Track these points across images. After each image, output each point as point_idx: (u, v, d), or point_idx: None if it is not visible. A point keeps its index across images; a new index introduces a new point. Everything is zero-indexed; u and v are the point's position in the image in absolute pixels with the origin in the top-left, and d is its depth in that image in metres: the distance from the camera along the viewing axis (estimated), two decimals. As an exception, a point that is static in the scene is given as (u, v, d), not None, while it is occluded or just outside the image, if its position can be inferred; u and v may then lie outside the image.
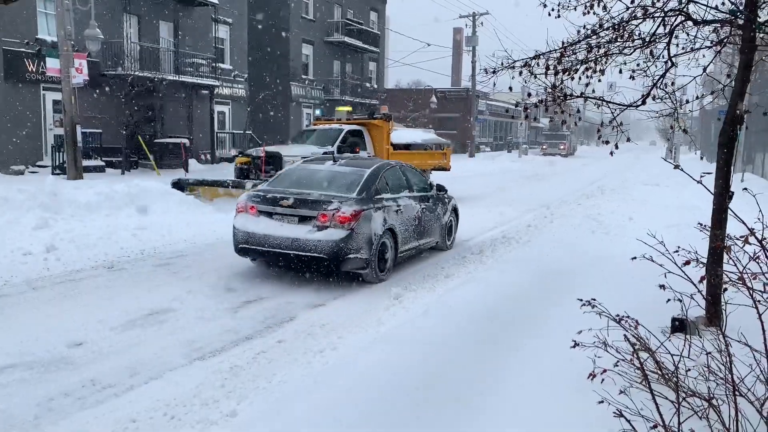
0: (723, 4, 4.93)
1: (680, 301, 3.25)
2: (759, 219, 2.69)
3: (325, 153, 12.99)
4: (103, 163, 20.24)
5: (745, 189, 3.31)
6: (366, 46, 36.78)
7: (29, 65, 18.90)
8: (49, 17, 19.14)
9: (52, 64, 16.81)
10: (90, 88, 19.42)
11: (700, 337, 4.22)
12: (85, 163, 17.68)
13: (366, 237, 7.20)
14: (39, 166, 19.24)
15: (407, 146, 16.13)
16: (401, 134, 16.58)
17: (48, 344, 4.99)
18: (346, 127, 14.67)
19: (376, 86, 40.52)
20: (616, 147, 5.15)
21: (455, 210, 10.07)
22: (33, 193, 10.34)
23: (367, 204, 7.38)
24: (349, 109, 17.34)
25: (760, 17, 4.70)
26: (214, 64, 25.42)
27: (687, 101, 6.28)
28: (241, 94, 28.96)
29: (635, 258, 3.52)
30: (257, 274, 7.65)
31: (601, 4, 5.12)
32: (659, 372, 3.35)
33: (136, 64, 21.92)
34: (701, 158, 38.60)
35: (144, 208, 11.23)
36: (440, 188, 9.70)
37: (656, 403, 2.59)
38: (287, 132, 31.06)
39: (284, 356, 4.93)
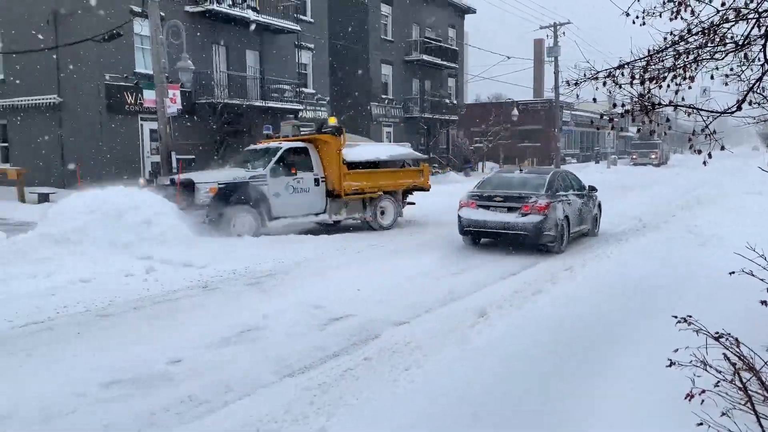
0: (824, -1, 4.61)
1: (786, 317, 3.05)
2: None
3: (252, 178, 11.77)
4: (196, 188, 21.24)
5: None
6: (445, 62, 36.87)
7: (128, 98, 20.20)
8: (146, 52, 20.40)
9: (149, 96, 17.85)
10: (183, 116, 20.50)
11: (812, 356, 3.92)
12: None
13: (553, 221, 10.51)
14: (139, 192, 20.43)
15: (372, 164, 13.96)
16: (364, 150, 14.18)
17: (149, 361, 5.26)
18: (285, 145, 12.73)
19: (455, 102, 40.48)
20: (710, 156, 4.91)
21: (599, 206, 13.11)
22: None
23: (552, 198, 10.67)
24: (296, 123, 14.44)
25: None
26: (297, 89, 26.26)
27: (788, 104, 5.90)
28: (323, 116, 29.71)
29: (734, 273, 3.34)
30: (342, 292, 7.78)
31: (689, 8, 4.92)
32: (765, 393, 3.15)
33: (225, 91, 22.97)
34: (809, 163, 35.92)
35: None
36: (591, 188, 12.65)
37: (762, 427, 2.44)
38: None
39: (371, 373, 4.99)
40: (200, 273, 8.75)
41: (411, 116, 35.26)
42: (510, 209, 10.64)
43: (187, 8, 21.66)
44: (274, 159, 12.25)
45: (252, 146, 13.92)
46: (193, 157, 21.82)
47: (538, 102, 49.61)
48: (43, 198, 18.04)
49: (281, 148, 12.58)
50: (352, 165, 13.23)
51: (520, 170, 12.05)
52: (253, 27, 23.89)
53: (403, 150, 15.31)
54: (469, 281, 8.57)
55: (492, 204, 10.86)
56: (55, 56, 19.80)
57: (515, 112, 42.09)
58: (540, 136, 46.32)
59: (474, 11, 41.33)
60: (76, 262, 8.76)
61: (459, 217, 11.16)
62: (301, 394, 4.59)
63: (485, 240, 11.69)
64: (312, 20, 28.23)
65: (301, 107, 26.30)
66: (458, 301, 7.40)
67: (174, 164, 17.07)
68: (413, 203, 15.34)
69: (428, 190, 15.27)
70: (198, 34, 22.11)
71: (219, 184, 11.38)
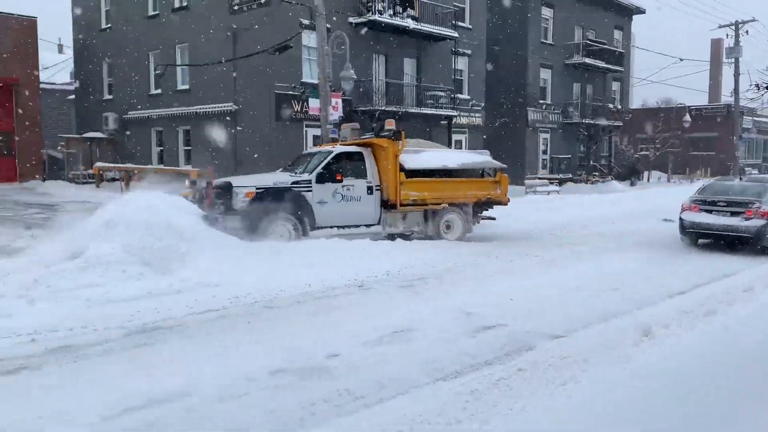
0: None
1: None
2: None
3: (295, 183, 11.00)
4: (353, 191, 22.11)
5: None
6: (608, 65, 35.10)
7: (295, 106, 21.51)
8: (312, 62, 21.62)
9: (313, 104, 18.88)
10: (342, 123, 21.42)
11: None
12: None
13: (774, 225, 11.44)
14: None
15: (441, 172, 12.65)
16: (430, 156, 12.83)
17: (309, 353, 5.55)
18: (337, 149, 11.83)
19: (620, 107, 38.39)
20: None
21: None
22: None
23: None
24: (355, 126, 13.34)
25: None
26: (452, 95, 26.39)
27: None
28: (477, 122, 29.56)
29: None
30: (494, 300, 7.67)
31: None
32: None
33: (383, 99, 23.68)
34: None
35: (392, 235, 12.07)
36: None
37: None
38: (523, 157, 30.87)
39: (525, 385, 4.86)
40: (356, 273, 9.07)
41: (570, 122, 33.98)
42: (733, 213, 11.65)
43: (351, 20, 22.61)
44: (322, 164, 11.34)
45: (307, 150, 13.04)
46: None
47: (714, 107, 45.55)
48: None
49: (332, 152, 11.67)
50: (413, 173, 12.03)
51: (740, 178, 13.90)
52: (412, 35, 24.41)
53: (479, 158, 13.73)
54: (629, 296, 8.07)
55: (715, 208, 11.93)
56: (232, 68, 21.63)
57: (687, 117, 39.03)
58: (715, 144, 42.51)
59: (643, 11, 38.91)
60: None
61: (681, 219, 12.35)
62: (453, 399, 4.58)
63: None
64: (470, 26, 28.23)
65: (455, 113, 26.40)
66: (620, 317, 6.99)
67: (334, 168, 17.88)
68: (492, 218, 13.88)
69: (506, 204, 13.57)
70: (359, 43, 23.00)
71: (257, 188, 10.68)
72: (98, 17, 28.00)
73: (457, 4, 26.88)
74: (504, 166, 13.78)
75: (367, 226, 11.68)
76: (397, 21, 23.28)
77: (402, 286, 8.48)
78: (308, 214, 10.95)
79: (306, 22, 20.44)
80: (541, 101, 32.88)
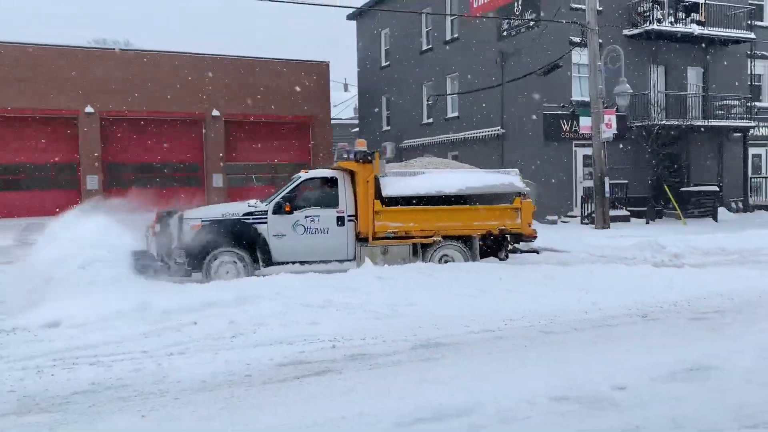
0: None
1: None
2: None
3: (247, 214, 9.90)
4: (627, 213, 20.76)
5: None
6: None
7: (563, 125, 21.04)
8: (582, 80, 20.99)
9: (584, 122, 18.28)
10: (616, 140, 20.30)
11: None
12: (612, 213, 18.44)
13: None
14: (570, 216, 21.02)
15: (431, 198, 10.51)
16: (427, 180, 10.66)
17: (591, 383, 5.27)
18: (305, 176, 10.50)
19: None
20: None
21: None
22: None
23: None
24: (361, 143, 10.81)
25: None
26: (748, 104, 23.32)
27: None
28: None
29: None
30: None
31: None
32: None
33: (662, 113, 21.91)
34: None
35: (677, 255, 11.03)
36: None
37: None
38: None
39: None
40: (636, 301, 8.44)
41: None
42: None
43: (625, 32, 21.48)
44: (284, 192, 10.22)
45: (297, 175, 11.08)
46: (626, 182, 21.40)
47: None
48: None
49: (299, 178, 10.49)
50: (397, 200, 10.36)
51: None
52: (695, 42, 22.28)
53: (496, 179, 10.96)
54: None
55: None
56: (500, 93, 22.02)
57: None
58: None
59: None
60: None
61: None
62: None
63: None
64: (768, 25, 24.80)
65: (752, 124, 23.26)
66: None
67: (607, 189, 17.04)
68: (536, 251, 11.58)
69: (531, 237, 10.96)
70: (634, 56, 21.68)
71: (202, 220, 9.80)
72: (379, 57, 30.87)
73: (752, 2, 23.82)
74: (526, 189, 11.00)
75: (340, 261, 10.31)
76: (679, 28, 21.49)
77: (693, 318, 7.66)
78: (263, 248, 9.91)
79: (576, 39, 19.95)
80: None
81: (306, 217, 10.02)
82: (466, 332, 6.95)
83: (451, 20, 25.35)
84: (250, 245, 9.85)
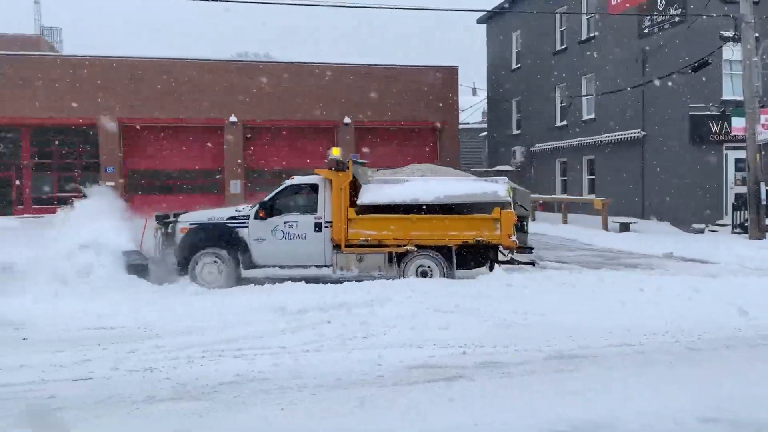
0: None
1: None
2: None
3: (231, 219, 10.38)
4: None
5: None
6: None
7: (713, 126, 19.48)
8: (734, 78, 19.34)
9: (737, 123, 16.85)
10: None
11: None
12: (768, 221, 16.81)
13: None
14: (718, 225, 19.42)
15: (416, 208, 10.30)
16: (405, 188, 10.45)
17: (748, 407, 4.82)
18: (289, 182, 10.78)
19: None
20: None
21: None
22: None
23: None
24: (335, 152, 10.53)
25: None
26: None
27: None
28: None
29: None
30: None
31: None
32: None
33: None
34: None
35: None
36: None
37: None
38: None
39: None
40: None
41: None
42: None
43: (786, 23, 19.52)
44: (267, 198, 10.49)
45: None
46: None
47: None
48: (624, 227, 19.09)
49: (284, 184, 10.77)
50: (372, 208, 10.32)
51: None
52: None
53: (478, 187, 10.51)
54: None
55: None
56: (640, 93, 20.82)
57: None
58: None
59: None
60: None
61: None
62: None
63: None
64: None
65: None
66: None
67: (763, 196, 15.61)
68: (516, 261, 10.91)
69: (510, 247, 10.37)
70: (798, 49, 19.62)
71: (191, 224, 10.36)
72: (509, 58, 30.34)
73: None
74: (508, 200, 10.24)
75: (318, 266, 10.51)
76: None
77: None
78: (244, 252, 10.31)
79: (728, 34, 18.40)
80: None
81: (285, 222, 10.32)
82: (604, 345, 6.63)
83: (587, 18, 24.37)
84: (232, 248, 10.29)
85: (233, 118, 24.72)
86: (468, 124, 41.35)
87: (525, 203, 11.13)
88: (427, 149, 27.53)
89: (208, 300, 8.86)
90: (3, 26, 29.52)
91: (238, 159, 24.99)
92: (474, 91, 49.32)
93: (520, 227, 10.78)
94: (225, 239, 10.29)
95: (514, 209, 10.35)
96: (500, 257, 10.71)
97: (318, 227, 10.35)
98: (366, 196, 10.32)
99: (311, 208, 10.49)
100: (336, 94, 25.77)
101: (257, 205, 10.47)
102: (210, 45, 73.01)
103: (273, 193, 10.60)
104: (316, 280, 10.10)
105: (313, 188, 10.58)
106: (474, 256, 10.55)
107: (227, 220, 10.44)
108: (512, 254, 10.82)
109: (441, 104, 26.97)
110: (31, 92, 23.11)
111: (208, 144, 25.12)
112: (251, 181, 25.26)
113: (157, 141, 24.91)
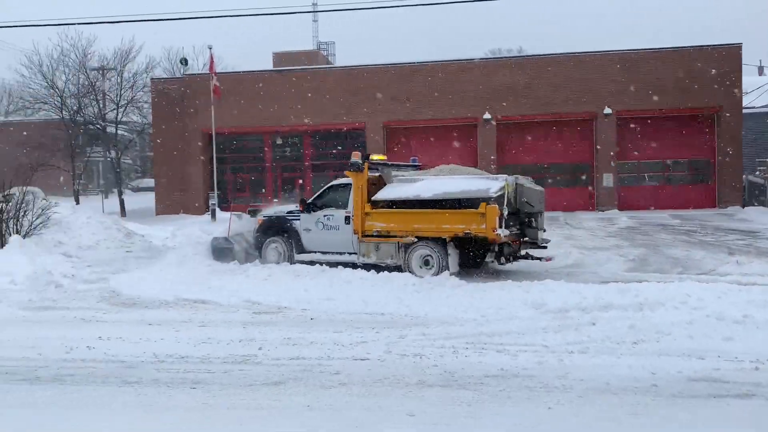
0: None
1: None
2: None
3: (289, 212, 12.50)
4: None
5: None
6: None
7: None
8: None
9: None
10: None
11: None
12: None
13: None
14: None
15: (424, 202, 10.99)
16: (414, 186, 11.29)
17: None
18: (333, 182, 12.59)
19: None
20: None
21: None
22: None
23: None
24: (381, 157, 12.49)
25: None
26: None
27: None
28: None
29: None
30: None
31: None
32: None
33: None
34: None
35: None
36: None
37: None
38: None
39: None
40: None
41: None
42: None
43: None
44: (316, 195, 12.47)
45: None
46: None
47: None
48: None
49: (329, 184, 12.61)
50: (386, 203, 11.45)
51: None
52: None
53: (474, 184, 11.05)
54: None
55: None
56: None
57: None
58: None
59: None
60: None
61: None
62: None
63: None
64: None
65: None
66: None
67: None
68: (531, 257, 11.52)
69: (494, 241, 10.51)
70: None
71: (264, 216, 12.71)
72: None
73: None
74: (492, 195, 10.45)
75: (349, 254, 11.80)
76: None
77: None
78: (297, 240, 12.20)
79: None
80: None
81: (324, 215, 12.00)
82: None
83: None
84: (288, 236, 12.31)
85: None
86: (753, 108, 36.12)
87: (533, 200, 11.38)
88: (700, 139, 24.83)
89: (466, 293, 9.17)
90: (288, 44, 33.99)
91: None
92: (761, 71, 43.02)
93: (529, 223, 11.40)
94: (284, 229, 12.40)
95: (516, 205, 10.96)
96: (521, 253, 11.54)
97: (347, 220, 11.78)
98: (380, 194, 11.50)
99: (344, 204, 11.94)
100: (594, 84, 24.64)
101: (309, 201, 12.30)
102: (466, 44, 74.75)
103: (319, 192, 12.49)
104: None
105: (347, 187, 11.97)
106: (480, 250, 11.11)
107: (287, 213, 12.51)
108: (527, 250, 11.62)
109: (720, 87, 24.03)
110: (309, 101, 26.11)
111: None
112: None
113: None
